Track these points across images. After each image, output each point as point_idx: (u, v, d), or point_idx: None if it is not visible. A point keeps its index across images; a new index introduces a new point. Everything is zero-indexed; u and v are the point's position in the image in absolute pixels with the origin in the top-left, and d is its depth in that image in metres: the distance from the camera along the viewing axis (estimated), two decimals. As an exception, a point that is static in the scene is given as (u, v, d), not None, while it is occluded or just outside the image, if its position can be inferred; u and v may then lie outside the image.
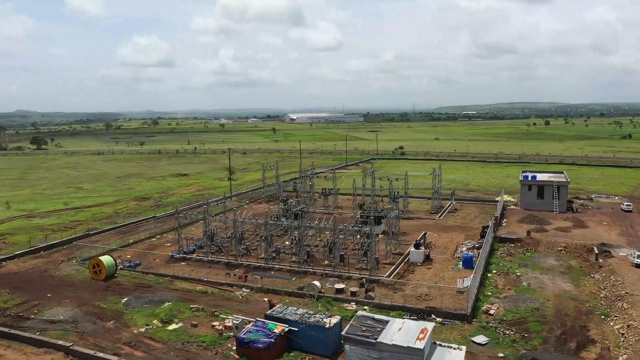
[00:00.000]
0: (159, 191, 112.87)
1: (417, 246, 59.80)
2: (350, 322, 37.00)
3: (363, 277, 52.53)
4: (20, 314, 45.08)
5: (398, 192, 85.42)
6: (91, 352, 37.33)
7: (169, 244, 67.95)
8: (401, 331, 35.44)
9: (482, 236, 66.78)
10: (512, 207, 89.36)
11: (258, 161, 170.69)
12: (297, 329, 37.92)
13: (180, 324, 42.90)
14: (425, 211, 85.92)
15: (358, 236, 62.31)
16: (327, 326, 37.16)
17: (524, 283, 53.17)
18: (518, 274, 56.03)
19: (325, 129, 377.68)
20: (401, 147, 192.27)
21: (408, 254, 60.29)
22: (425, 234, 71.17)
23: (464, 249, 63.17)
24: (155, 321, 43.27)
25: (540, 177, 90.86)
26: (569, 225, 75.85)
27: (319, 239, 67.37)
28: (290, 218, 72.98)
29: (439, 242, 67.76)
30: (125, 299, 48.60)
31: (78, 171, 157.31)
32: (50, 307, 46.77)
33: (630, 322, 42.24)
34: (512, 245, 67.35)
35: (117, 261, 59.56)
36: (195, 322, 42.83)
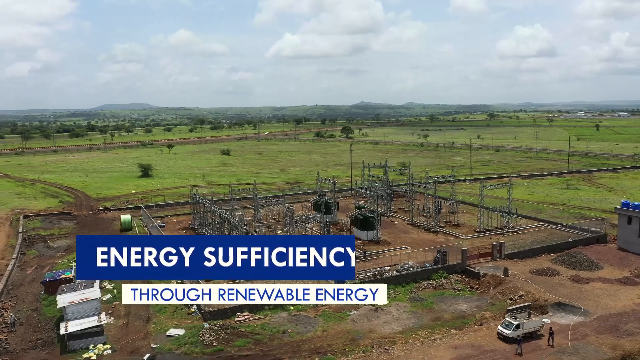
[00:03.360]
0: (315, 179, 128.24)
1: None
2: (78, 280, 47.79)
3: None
4: (47, 240, 72.27)
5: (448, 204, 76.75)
6: (10, 264, 60.33)
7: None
8: (79, 294, 44.42)
9: (437, 262, 57.65)
10: (611, 244, 65.81)
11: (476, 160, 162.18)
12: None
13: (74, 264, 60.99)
14: (471, 227, 73.92)
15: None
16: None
17: (350, 312, 47.32)
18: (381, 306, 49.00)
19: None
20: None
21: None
22: (402, 247, 65.23)
23: (393, 268, 56.87)
24: (70, 256, 62.64)
25: (650, 208, 62.86)
26: (615, 277, 53.87)
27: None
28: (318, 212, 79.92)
29: (401, 259, 60.40)
30: (95, 243, 69.88)
31: (321, 157, 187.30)
32: (67, 239, 72.62)
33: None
34: (460, 279, 55.18)
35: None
36: (83, 265, 60.27)
